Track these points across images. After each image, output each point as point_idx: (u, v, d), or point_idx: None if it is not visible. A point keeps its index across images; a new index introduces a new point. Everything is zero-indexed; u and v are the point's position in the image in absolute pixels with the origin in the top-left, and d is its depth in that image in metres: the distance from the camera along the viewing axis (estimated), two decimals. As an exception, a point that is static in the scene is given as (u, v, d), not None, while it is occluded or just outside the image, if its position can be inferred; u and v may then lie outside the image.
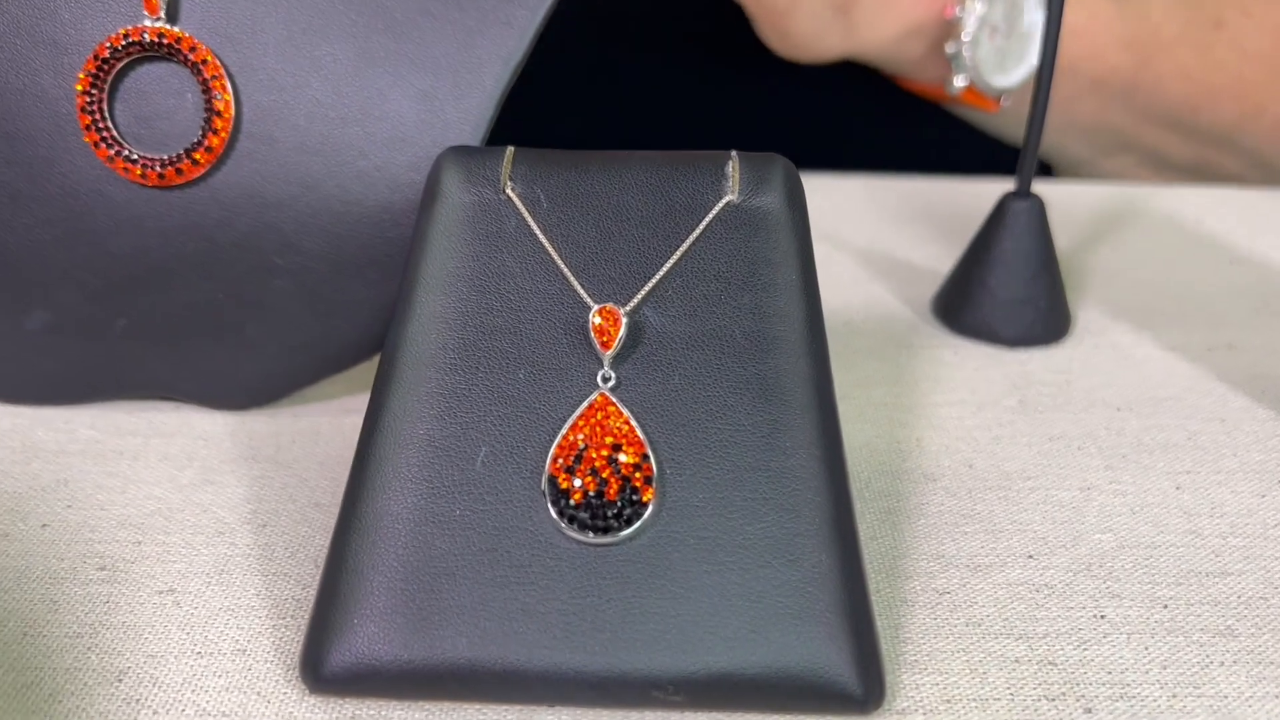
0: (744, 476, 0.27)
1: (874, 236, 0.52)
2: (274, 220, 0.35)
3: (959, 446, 0.37)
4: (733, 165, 0.31)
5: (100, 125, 0.34)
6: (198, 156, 0.34)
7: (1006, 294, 0.43)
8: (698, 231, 0.30)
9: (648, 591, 0.26)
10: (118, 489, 0.34)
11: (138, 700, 0.26)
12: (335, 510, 0.33)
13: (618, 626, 0.26)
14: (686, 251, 0.29)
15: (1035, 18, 0.54)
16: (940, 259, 0.50)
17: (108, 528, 0.32)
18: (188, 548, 0.31)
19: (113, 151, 0.34)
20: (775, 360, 0.28)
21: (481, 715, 0.26)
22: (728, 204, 0.30)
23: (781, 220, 0.30)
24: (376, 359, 0.37)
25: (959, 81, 0.54)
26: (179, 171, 0.34)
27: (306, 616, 0.29)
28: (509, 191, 0.30)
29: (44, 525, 0.32)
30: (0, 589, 0.29)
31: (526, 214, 0.30)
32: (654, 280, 0.29)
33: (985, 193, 0.56)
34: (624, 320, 0.28)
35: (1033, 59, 0.54)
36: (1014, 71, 0.55)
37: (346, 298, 0.36)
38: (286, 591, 0.30)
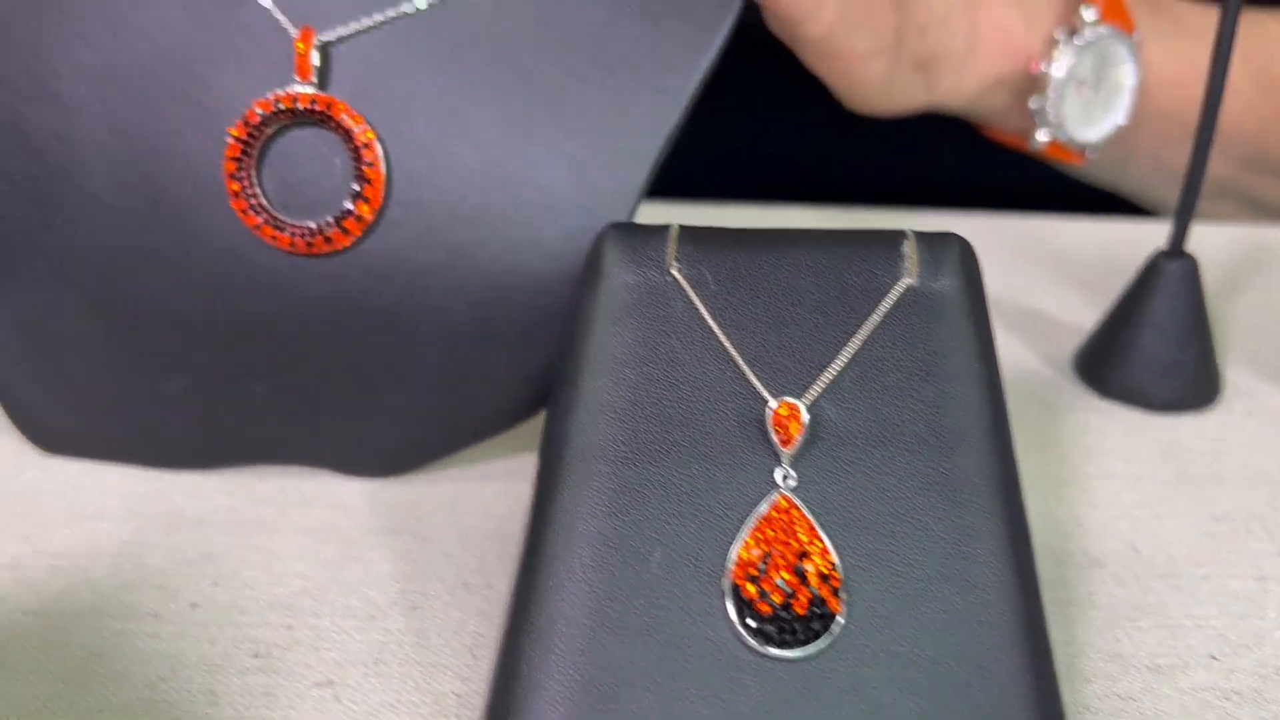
0: (933, 587, 0.26)
1: (1003, 283, 0.50)
2: (421, 288, 0.35)
3: (1120, 526, 0.36)
4: (909, 245, 0.29)
5: (249, 192, 0.34)
6: (348, 225, 0.34)
7: (1157, 357, 0.42)
8: (876, 318, 0.28)
9: (836, 709, 0.25)
10: (262, 564, 0.33)
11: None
12: (484, 591, 0.32)
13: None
14: (865, 340, 0.28)
15: (1125, 70, 0.51)
16: (1076, 310, 0.48)
17: (257, 609, 0.31)
18: (340, 633, 0.30)
19: (261, 219, 0.34)
20: (961, 458, 0.27)
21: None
22: (907, 288, 0.29)
23: (961, 305, 0.29)
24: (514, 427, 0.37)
25: (1042, 136, 0.51)
26: (328, 240, 0.34)
27: (471, 716, 0.28)
28: (675, 272, 0.29)
29: (193, 605, 0.31)
30: (157, 676, 0.29)
31: (694, 296, 0.29)
32: (832, 371, 0.28)
33: (1115, 236, 0.54)
34: (805, 416, 0.27)
35: (1120, 112, 0.52)
36: (1100, 124, 0.52)
37: (491, 367, 0.35)
38: (447, 685, 0.29)
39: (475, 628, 0.31)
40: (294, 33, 0.33)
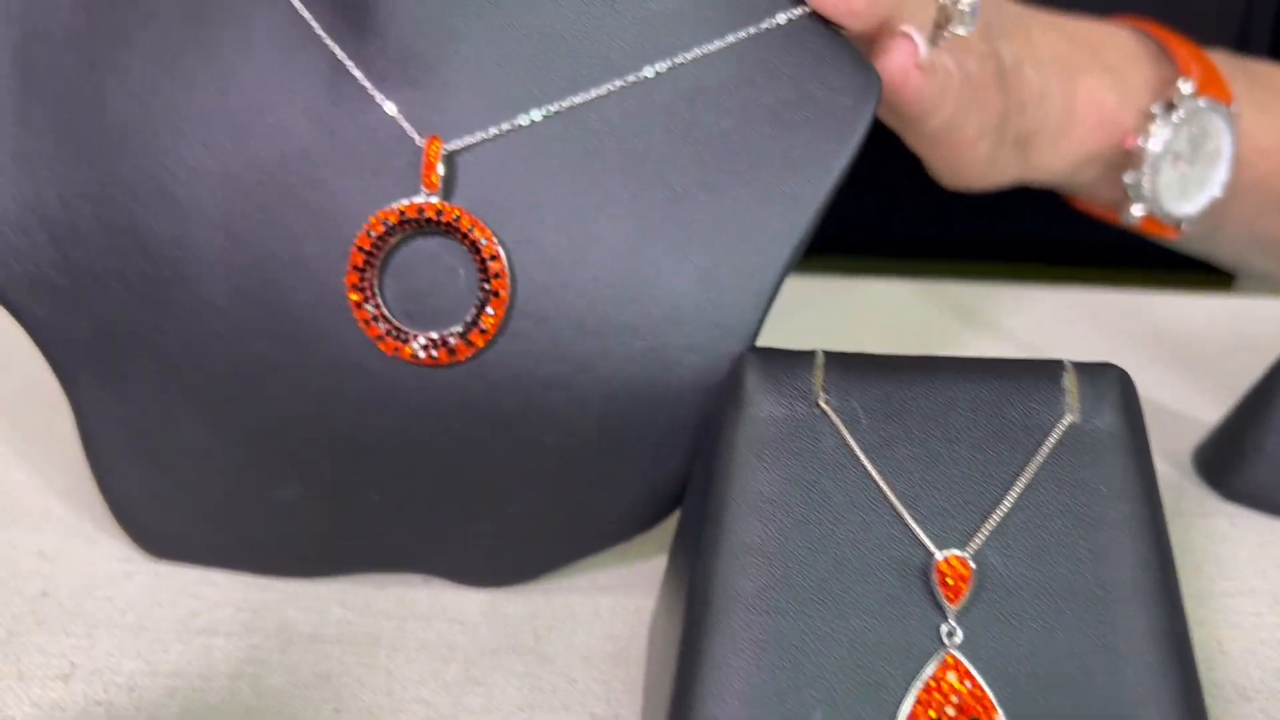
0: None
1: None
2: (543, 400, 0.34)
3: (1265, 653, 0.34)
4: (1069, 379, 0.28)
5: (371, 302, 0.33)
6: (472, 337, 0.33)
7: (1293, 460, 0.40)
8: (1039, 459, 0.27)
9: None
10: (382, 688, 0.32)
11: None
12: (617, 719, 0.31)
13: None
14: (1028, 482, 0.27)
15: (1222, 142, 0.50)
16: (1189, 399, 0.46)
17: (382, 740, 0.30)
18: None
19: (383, 329, 0.33)
20: (1132, 612, 0.26)
21: None
22: (1069, 425, 0.27)
23: (1125, 444, 0.27)
24: (635, 540, 0.36)
25: (1137, 211, 0.50)
26: (451, 352, 0.33)
27: None
28: (823, 404, 0.28)
29: (314, 737, 0.31)
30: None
31: (845, 431, 0.28)
32: (997, 517, 0.27)
33: (1230, 313, 0.53)
34: (973, 570, 0.26)
35: (1216, 185, 0.50)
36: (1196, 198, 0.51)
37: (612, 479, 0.34)
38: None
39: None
40: (420, 141, 0.33)
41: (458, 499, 0.35)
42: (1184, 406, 0.46)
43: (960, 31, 0.39)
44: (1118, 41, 0.51)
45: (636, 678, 0.33)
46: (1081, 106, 0.48)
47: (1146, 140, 0.48)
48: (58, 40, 0.35)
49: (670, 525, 0.36)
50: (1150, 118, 0.49)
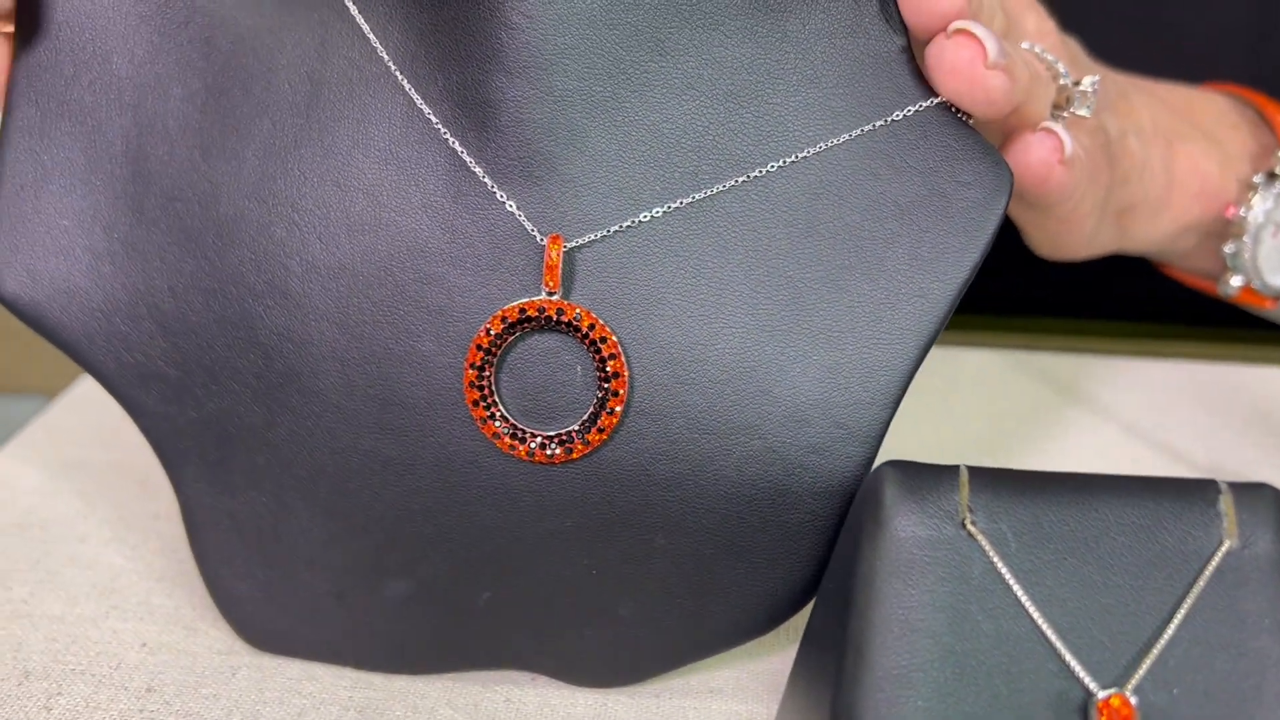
0: None
1: (1219, 450, 0.47)
2: (659, 500, 0.33)
3: None
4: (1225, 501, 0.27)
5: (488, 399, 0.32)
6: (589, 437, 0.32)
7: None
8: (1200, 588, 0.26)
9: None
10: (498, 796, 0.31)
11: None
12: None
13: None
14: (1189, 614, 0.26)
15: None
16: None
17: None
18: None
19: (500, 428, 0.32)
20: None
21: None
22: (1228, 551, 0.26)
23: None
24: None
25: (1235, 282, 0.48)
26: (568, 450, 0.32)
27: None
28: (970, 526, 0.27)
29: None
30: None
31: (994, 556, 0.27)
32: (1156, 652, 0.25)
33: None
34: (1137, 707, 0.24)
35: None
36: None
37: (727, 580, 0.34)
38: None
39: None
40: (541, 239, 0.32)
41: (569, 599, 0.34)
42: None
43: (1082, 113, 0.38)
44: (1216, 108, 0.50)
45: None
46: (1182, 175, 0.47)
47: (1247, 210, 0.47)
48: (170, 130, 0.35)
49: (786, 626, 0.35)
50: (1251, 187, 0.47)
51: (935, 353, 0.52)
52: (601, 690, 0.35)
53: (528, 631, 0.35)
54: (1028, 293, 0.67)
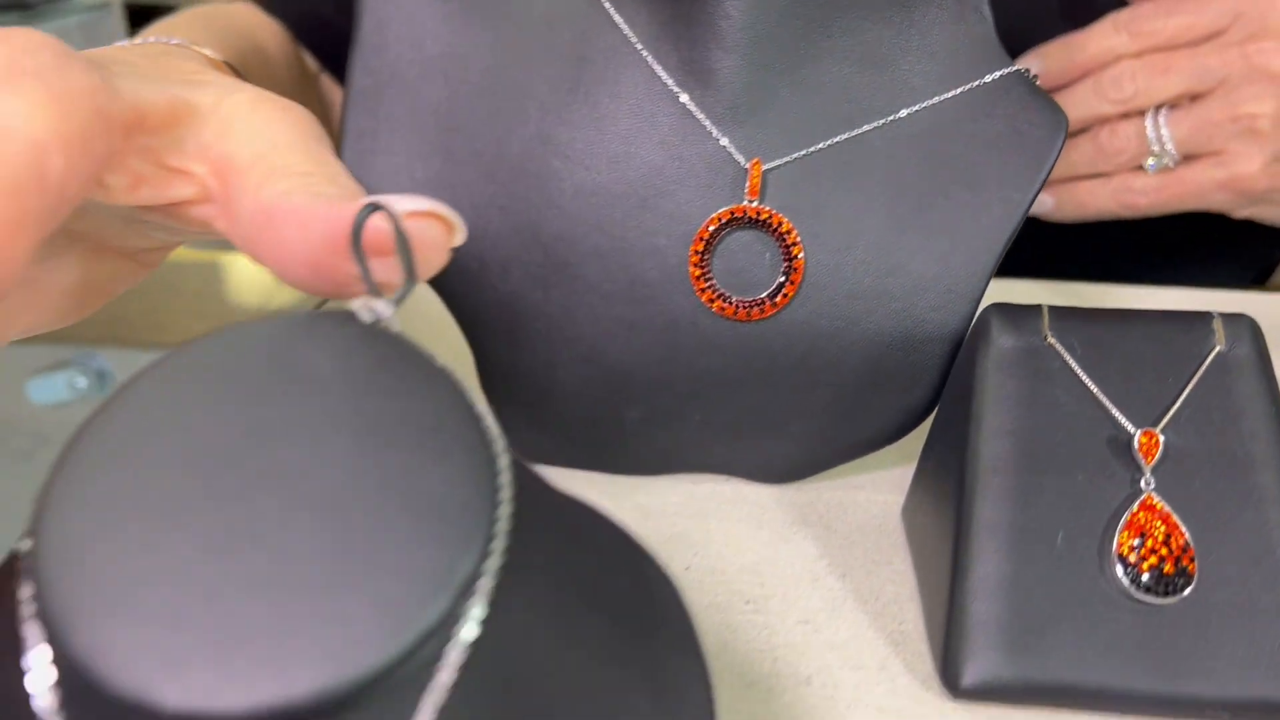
0: (1263, 559, 0.38)
1: None
2: (823, 348, 0.47)
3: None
4: (1216, 322, 0.41)
5: (706, 276, 0.47)
6: (777, 301, 0.47)
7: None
8: (1200, 373, 0.40)
9: (1197, 639, 0.37)
10: (719, 541, 0.46)
11: (830, 698, 0.38)
12: (887, 566, 0.44)
13: (1176, 664, 0.36)
14: (1193, 388, 0.40)
15: None
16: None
17: (733, 571, 0.44)
18: (796, 590, 0.43)
19: (714, 295, 0.47)
20: (1265, 477, 0.39)
21: (1079, 718, 0.37)
22: (1218, 353, 0.41)
23: (1256, 366, 0.41)
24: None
25: None
26: (761, 311, 0.47)
27: (916, 646, 0.40)
28: (1050, 339, 0.42)
29: (686, 568, 0.44)
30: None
31: (1066, 356, 0.41)
32: (1173, 410, 0.40)
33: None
34: (1162, 440, 0.39)
35: None
36: None
37: (870, 404, 0.48)
38: (892, 626, 0.41)
39: (893, 590, 0.43)
40: (745, 164, 0.47)
41: (758, 420, 0.49)
42: None
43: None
44: None
45: (895, 543, 0.46)
46: None
47: None
48: (470, 94, 0.49)
49: (910, 436, 0.49)
50: None
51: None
52: (777, 485, 0.50)
53: (726, 444, 0.49)
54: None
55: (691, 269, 0.47)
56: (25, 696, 0.22)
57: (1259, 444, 0.39)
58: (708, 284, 0.47)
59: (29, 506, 0.24)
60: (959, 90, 0.48)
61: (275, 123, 0.35)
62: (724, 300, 0.47)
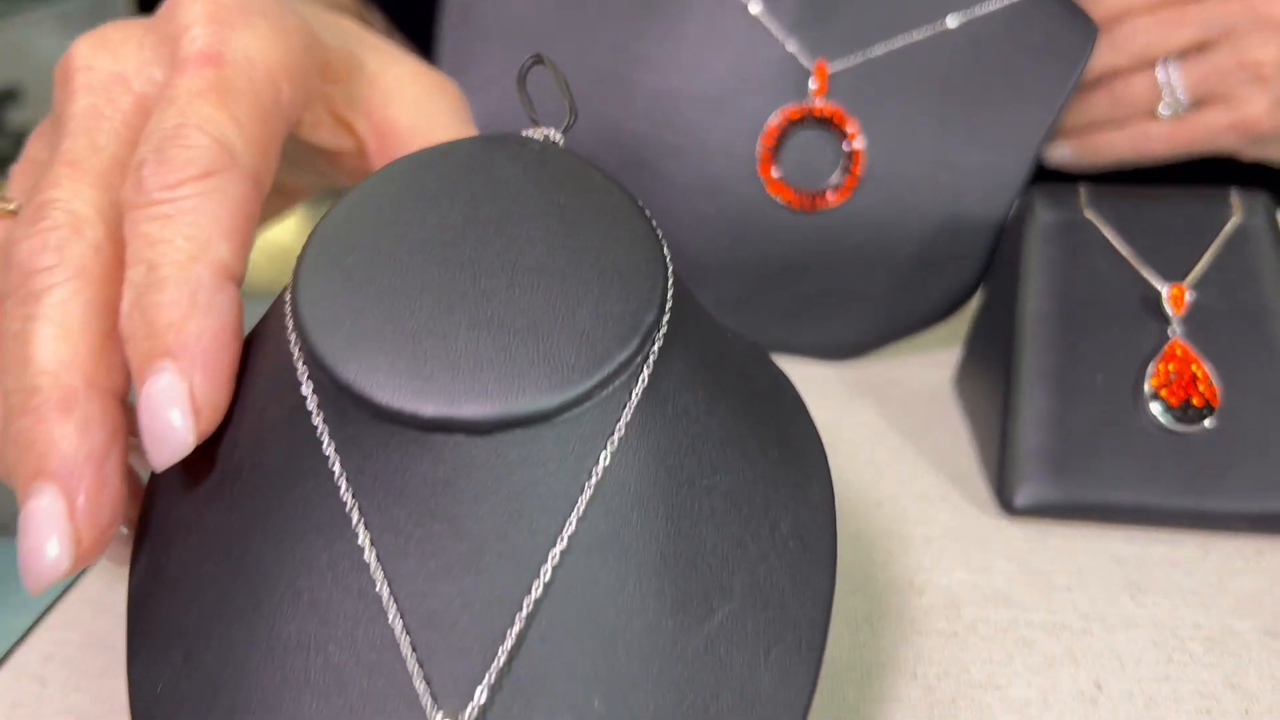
0: (1279, 396, 0.43)
1: None
2: (880, 235, 0.53)
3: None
4: (1234, 196, 0.47)
5: (774, 169, 0.52)
6: (839, 193, 0.52)
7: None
8: (1220, 240, 0.46)
9: (1220, 463, 0.42)
10: (790, 408, 0.51)
11: (899, 518, 0.43)
12: (944, 424, 0.50)
13: (1202, 484, 0.42)
14: (1218, 251, 0.46)
15: None
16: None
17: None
18: (861, 444, 0.48)
19: (781, 187, 0.52)
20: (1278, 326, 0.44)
21: (1117, 531, 0.43)
22: (1236, 223, 0.46)
23: (1270, 235, 0.46)
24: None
25: None
26: (825, 200, 0.52)
27: (973, 482, 0.46)
28: (1087, 214, 0.47)
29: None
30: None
31: (1102, 228, 0.47)
32: (1198, 271, 0.45)
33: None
34: (1189, 294, 0.44)
35: None
36: None
37: (923, 284, 0.53)
38: (950, 467, 0.47)
39: (948, 441, 0.49)
40: (809, 66, 0.52)
41: (820, 302, 0.54)
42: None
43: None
44: None
45: (948, 409, 0.51)
46: None
47: None
48: (555, 6, 0.55)
49: (956, 319, 0.55)
50: None
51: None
52: (836, 362, 0.55)
53: (789, 325, 0.55)
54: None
55: (762, 163, 0.52)
56: (304, 418, 0.27)
57: (1274, 300, 0.45)
58: (777, 176, 0.52)
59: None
60: (1002, 4, 0.53)
61: (434, 97, 0.39)
62: (790, 192, 0.52)
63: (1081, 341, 0.45)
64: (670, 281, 0.29)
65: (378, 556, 0.26)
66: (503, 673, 0.26)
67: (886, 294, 0.54)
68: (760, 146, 0.52)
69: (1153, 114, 0.58)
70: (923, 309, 0.54)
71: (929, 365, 0.55)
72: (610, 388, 0.27)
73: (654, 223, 0.30)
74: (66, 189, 0.30)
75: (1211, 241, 0.46)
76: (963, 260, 0.53)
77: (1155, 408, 0.43)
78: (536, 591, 0.26)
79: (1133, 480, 0.42)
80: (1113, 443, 0.43)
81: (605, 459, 0.27)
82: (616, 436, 0.27)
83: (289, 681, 0.26)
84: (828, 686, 0.35)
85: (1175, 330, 0.44)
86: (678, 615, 0.27)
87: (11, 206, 0.32)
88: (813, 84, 0.52)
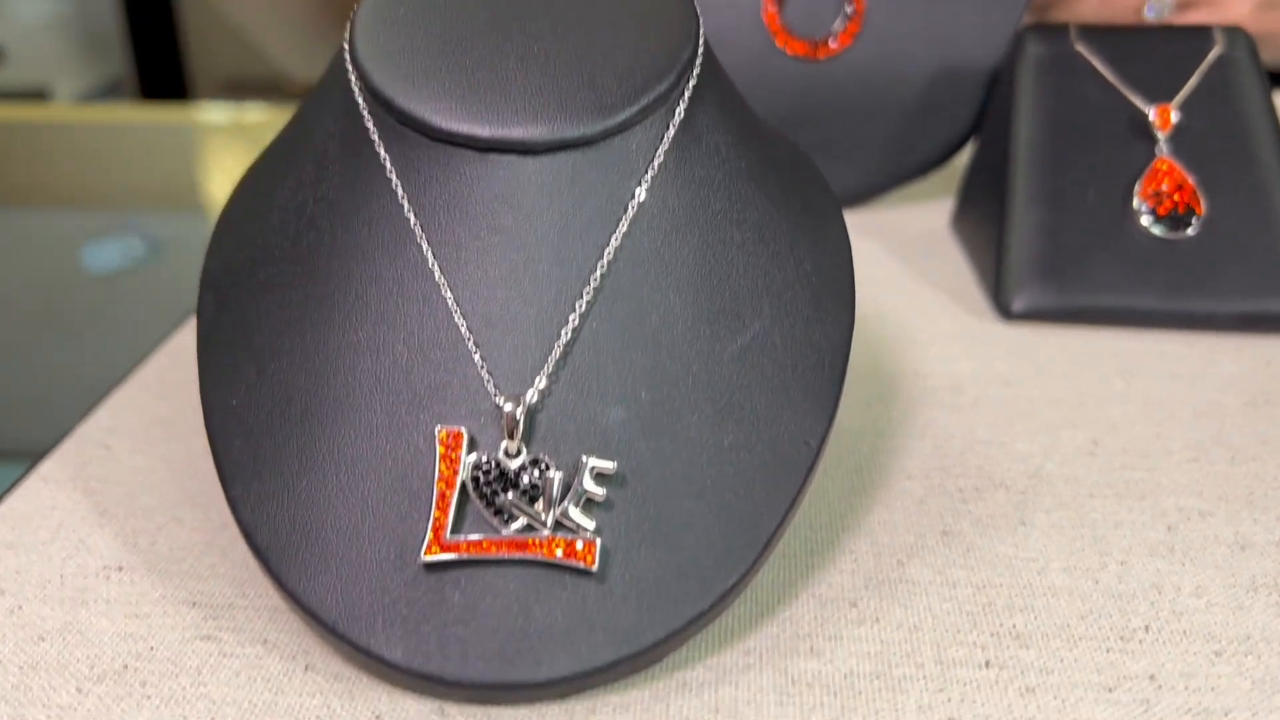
0: (1261, 198, 0.46)
1: None
2: (881, 82, 0.55)
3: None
4: (1216, 32, 0.49)
5: (780, 20, 0.54)
6: (841, 40, 0.54)
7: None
8: (1204, 68, 0.48)
9: (1205, 267, 0.45)
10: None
11: (901, 324, 0.46)
12: (941, 257, 0.52)
13: (1189, 287, 0.45)
14: (1201, 77, 0.48)
15: None
16: None
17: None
18: (860, 270, 0.51)
19: (786, 36, 0.54)
20: (1258, 145, 0.47)
21: (1102, 332, 0.45)
22: (1219, 54, 0.49)
23: (1251, 66, 0.49)
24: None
25: None
26: (828, 47, 0.54)
27: (970, 294, 0.48)
28: (1077, 47, 0.49)
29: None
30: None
31: (1089, 57, 0.49)
32: (1184, 92, 0.48)
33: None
34: (1174, 114, 0.47)
35: None
36: None
37: (918, 131, 0.56)
38: (948, 283, 0.49)
39: (947, 269, 0.51)
40: (811, -80, 0.54)
41: (821, 152, 0.56)
42: None
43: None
44: None
45: (946, 247, 0.54)
46: None
47: None
48: None
49: (937, 179, 0.57)
50: None
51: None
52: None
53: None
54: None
55: (766, 13, 0.54)
56: (368, 148, 0.29)
57: (1254, 123, 0.47)
58: (782, 25, 0.54)
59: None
60: None
61: None
62: (794, 39, 0.55)
63: (1073, 162, 0.47)
64: (702, 31, 0.32)
65: (440, 267, 0.28)
66: (559, 365, 0.28)
67: (886, 141, 0.56)
68: (768, 4, 0.54)
69: (1138, 14, 0.61)
70: (921, 155, 0.57)
71: (928, 212, 0.58)
72: (650, 119, 0.29)
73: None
74: None
75: (1195, 69, 0.49)
76: (959, 107, 0.55)
77: (1144, 219, 0.46)
78: (588, 295, 0.28)
79: (1123, 285, 0.45)
80: (1104, 252, 0.46)
81: (646, 183, 0.29)
82: (656, 162, 0.29)
83: (360, 381, 0.28)
84: (841, 443, 0.37)
85: (1162, 149, 0.47)
86: (714, 324, 0.29)
87: None
88: (809, -61, 0.54)
